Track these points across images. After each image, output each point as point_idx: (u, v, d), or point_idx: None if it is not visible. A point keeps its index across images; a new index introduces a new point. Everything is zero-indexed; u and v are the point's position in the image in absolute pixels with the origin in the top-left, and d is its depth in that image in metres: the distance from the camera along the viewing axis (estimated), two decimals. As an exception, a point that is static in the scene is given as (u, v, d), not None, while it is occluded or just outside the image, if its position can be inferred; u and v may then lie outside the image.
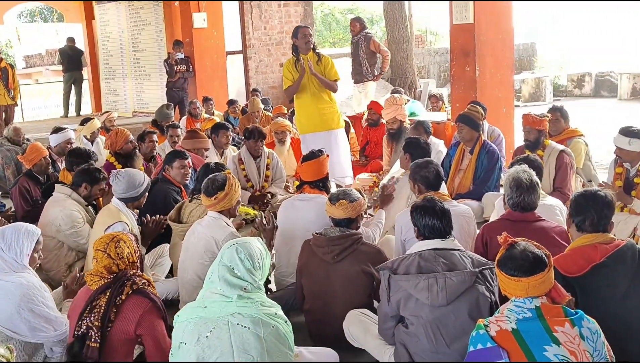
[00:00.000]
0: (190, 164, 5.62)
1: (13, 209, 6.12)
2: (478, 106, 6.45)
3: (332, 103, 7.06)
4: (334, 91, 7.02)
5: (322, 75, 6.89)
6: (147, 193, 4.85)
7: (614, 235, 5.02)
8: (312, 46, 6.91)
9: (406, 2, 15.86)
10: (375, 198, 5.35)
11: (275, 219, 4.47)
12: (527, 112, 6.04)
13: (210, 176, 4.25)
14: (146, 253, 4.87)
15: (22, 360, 3.37)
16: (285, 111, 9.51)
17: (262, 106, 10.38)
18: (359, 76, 10.41)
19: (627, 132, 5.13)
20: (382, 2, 15.47)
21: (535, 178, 3.89)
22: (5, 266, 3.41)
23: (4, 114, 11.72)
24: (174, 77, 11.84)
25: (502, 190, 5.89)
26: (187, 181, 5.63)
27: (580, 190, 3.43)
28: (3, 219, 5.11)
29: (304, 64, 6.86)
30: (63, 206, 5.03)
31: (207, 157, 6.74)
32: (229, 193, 4.11)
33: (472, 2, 7.59)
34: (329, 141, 6.98)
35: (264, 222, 4.32)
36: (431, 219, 3.33)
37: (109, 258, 3.26)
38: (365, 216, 5.12)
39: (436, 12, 25.22)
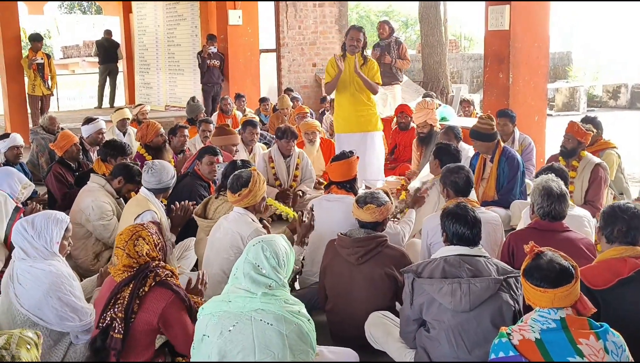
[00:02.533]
0: (220, 160, 5.66)
1: (45, 197, 6.24)
2: (487, 118, 6.27)
3: (371, 106, 7.06)
4: (374, 92, 7.01)
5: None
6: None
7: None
8: (357, 50, 6.92)
9: (442, 6, 15.79)
10: (406, 201, 5.33)
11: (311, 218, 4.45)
12: (574, 121, 5.93)
13: (235, 172, 4.30)
14: (177, 242, 4.93)
15: (48, 345, 3.43)
16: (307, 111, 9.51)
17: (291, 103, 10.42)
18: (387, 79, 10.35)
19: None
20: (418, 4, 15.41)
21: (565, 188, 3.86)
22: (35, 253, 3.45)
23: (39, 103, 11.91)
24: (204, 70, 11.96)
25: (529, 199, 5.83)
26: (215, 177, 5.68)
27: (609, 203, 3.38)
28: (37, 204, 5.21)
29: (345, 63, 6.85)
30: (95, 196, 5.11)
31: (237, 151, 6.79)
32: (252, 189, 4.14)
33: (508, 8, 7.53)
34: (363, 143, 7.00)
35: (303, 219, 4.26)
36: (461, 228, 3.30)
37: (128, 257, 3.29)
38: (392, 219, 5.11)
39: (471, 17, 25.07)
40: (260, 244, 2.90)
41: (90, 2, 26.70)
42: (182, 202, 4.79)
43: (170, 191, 4.88)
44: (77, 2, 28.59)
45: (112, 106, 14.94)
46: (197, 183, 5.56)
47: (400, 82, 10.44)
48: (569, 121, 5.95)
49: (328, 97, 11.07)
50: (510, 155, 6.01)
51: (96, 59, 16.01)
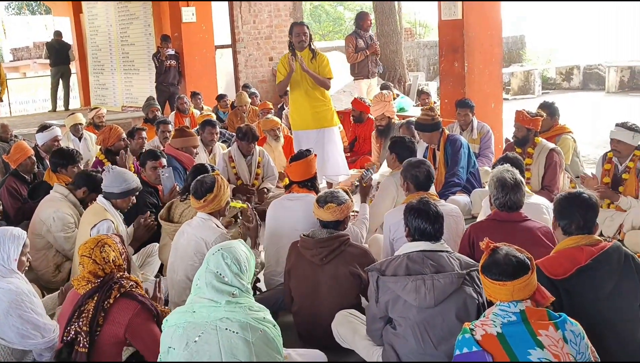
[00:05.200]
0: (163, 163, 5.61)
1: (0, 208, 6.09)
2: (428, 109, 6.38)
3: (326, 101, 7.02)
4: (327, 88, 6.98)
5: (316, 72, 6.86)
6: (133, 196, 4.78)
7: (601, 233, 5.11)
8: (305, 45, 6.87)
9: (395, -5, 15.81)
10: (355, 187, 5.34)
11: (263, 218, 4.46)
12: (521, 109, 6.00)
13: (198, 177, 4.24)
14: (135, 253, 4.86)
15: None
16: (271, 107, 9.48)
17: (249, 100, 10.35)
18: (374, 68, 10.34)
19: (628, 127, 5.26)
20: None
21: (519, 177, 3.90)
22: (-7, 271, 3.40)
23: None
24: (162, 71, 11.79)
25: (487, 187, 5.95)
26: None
27: (563, 193, 3.43)
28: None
29: (297, 61, 6.80)
30: (57, 207, 5.01)
31: (197, 154, 6.73)
32: (217, 194, 4.10)
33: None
34: (321, 139, 6.97)
35: (247, 221, 4.26)
36: (423, 223, 3.33)
37: (94, 263, 3.26)
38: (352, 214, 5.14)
39: (425, 4, 25.23)
40: (220, 252, 2.87)
41: (38, 2, 26.07)
42: (147, 219, 4.75)
43: (128, 201, 4.75)
44: (25, 3, 27.91)
45: (67, 109, 14.66)
46: (144, 190, 5.45)
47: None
48: (515, 111, 6.04)
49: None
50: (453, 138, 6.24)
51: (47, 61, 15.65)
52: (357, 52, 10.07)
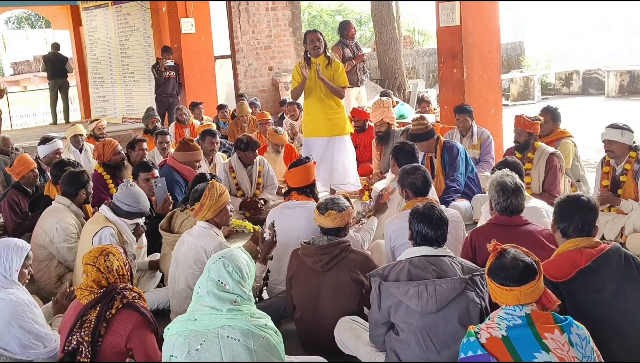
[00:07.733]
0: (155, 174, 5.62)
1: (2, 221, 6.09)
2: (419, 118, 6.40)
3: (339, 109, 7.05)
4: (341, 97, 7.00)
5: (331, 79, 6.89)
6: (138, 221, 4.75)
7: (602, 236, 5.10)
8: (321, 51, 6.93)
9: (394, 3, 15.87)
10: (370, 207, 5.30)
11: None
12: (520, 114, 6.02)
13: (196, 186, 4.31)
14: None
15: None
16: (269, 117, 9.47)
17: (249, 110, 10.37)
18: (362, 76, 10.35)
19: (617, 126, 5.31)
20: (370, 3, 15.49)
21: (519, 181, 3.91)
22: (-6, 282, 3.40)
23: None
24: (161, 82, 11.82)
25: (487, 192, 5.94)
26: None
27: (563, 196, 3.43)
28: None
29: (311, 68, 6.86)
30: (60, 217, 5.00)
31: (199, 167, 6.71)
32: (204, 204, 4.11)
33: (458, 4, 7.62)
34: (330, 147, 6.98)
35: (264, 236, 4.20)
36: (425, 228, 3.33)
37: (98, 271, 3.26)
38: (356, 221, 5.12)
39: (424, 11, 25.32)
40: (221, 260, 2.85)
41: (38, 16, 26.15)
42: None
43: (137, 218, 4.73)
44: (25, 16, 28.01)
45: (67, 121, 14.68)
46: None
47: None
48: (514, 116, 6.05)
49: (287, 100, 11.06)
50: (449, 145, 6.25)
51: (46, 74, 15.67)
52: (344, 62, 10.04)
